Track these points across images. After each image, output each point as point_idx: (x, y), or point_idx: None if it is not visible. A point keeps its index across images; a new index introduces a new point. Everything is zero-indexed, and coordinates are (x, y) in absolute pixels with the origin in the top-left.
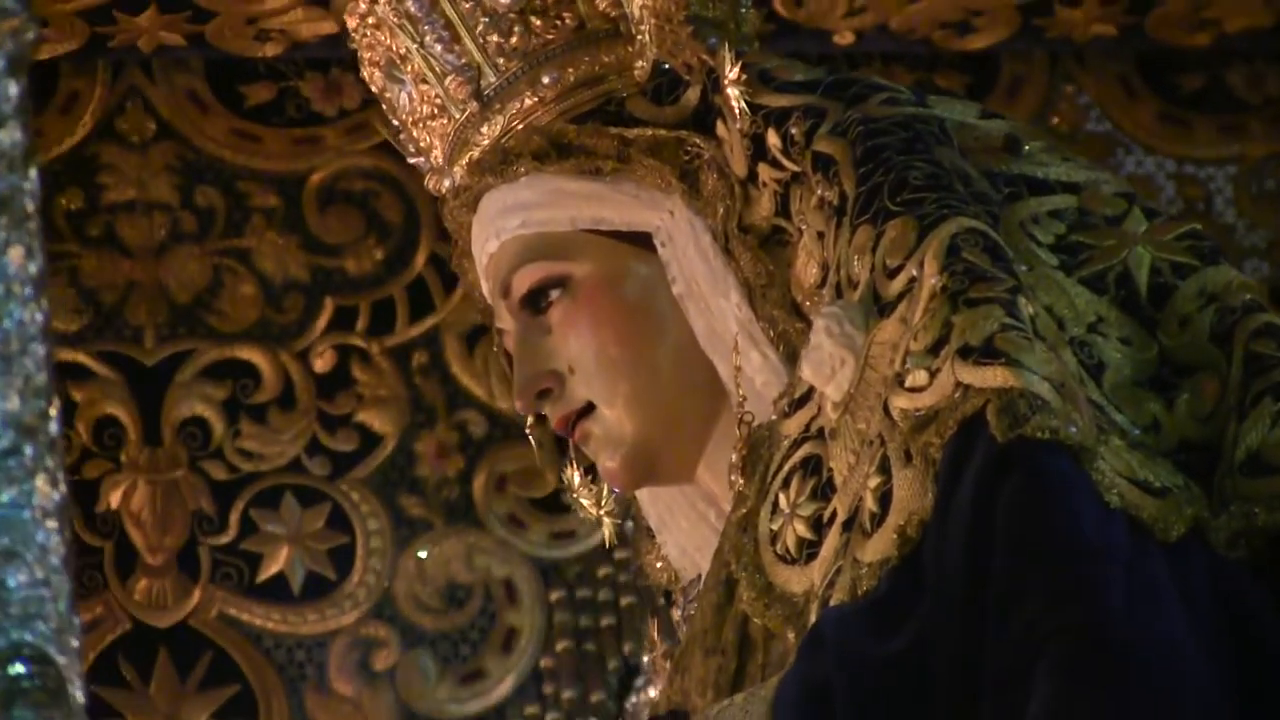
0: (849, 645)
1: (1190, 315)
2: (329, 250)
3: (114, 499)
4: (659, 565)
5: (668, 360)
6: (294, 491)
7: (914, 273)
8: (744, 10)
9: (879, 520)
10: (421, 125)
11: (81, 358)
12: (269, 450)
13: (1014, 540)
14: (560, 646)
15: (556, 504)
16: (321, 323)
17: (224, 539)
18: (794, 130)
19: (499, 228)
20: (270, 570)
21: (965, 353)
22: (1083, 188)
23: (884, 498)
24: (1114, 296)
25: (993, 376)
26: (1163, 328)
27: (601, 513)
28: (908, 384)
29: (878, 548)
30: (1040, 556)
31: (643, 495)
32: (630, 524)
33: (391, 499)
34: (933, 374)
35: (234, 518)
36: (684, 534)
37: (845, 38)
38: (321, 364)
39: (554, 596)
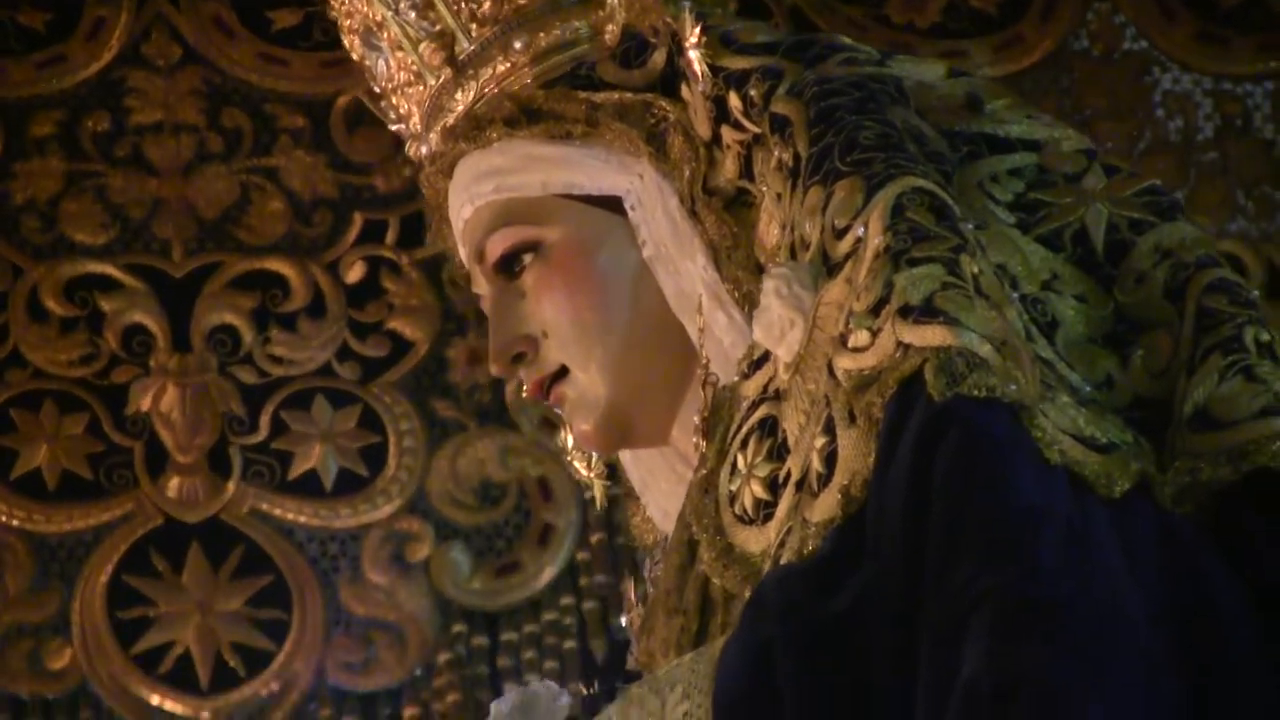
0: (791, 606)
1: (1146, 271)
2: (357, 169)
3: (144, 402)
4: (645, 527)
5: (640, 323)
6: (325, 394)
7: (860, 233)
8: None
9: (825, 481)
10: (399, 92)
11: (109, 269)
12: (299, 356)
13: (949, 499)
14: (595, 539)
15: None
16: (351, 235)
17: (255, 439)
18: (753, 92)
19: (473, 193)
20: (302, 467)
21: (905, 312)
22: (1043, 145)
23: (829, 458)
24: (1071, 254)
25: (931, 335)
26: (1119, 284)
27: (592, 475)
28: (850, 344)
29: (823, 508)
30: (975, 515)
31: (625, 458)
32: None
33: (423, 401)
34: (874, 334)
35: (264, 419)
36: (664, 495)
37: None
38: (352, 274)
39: (589, 493)
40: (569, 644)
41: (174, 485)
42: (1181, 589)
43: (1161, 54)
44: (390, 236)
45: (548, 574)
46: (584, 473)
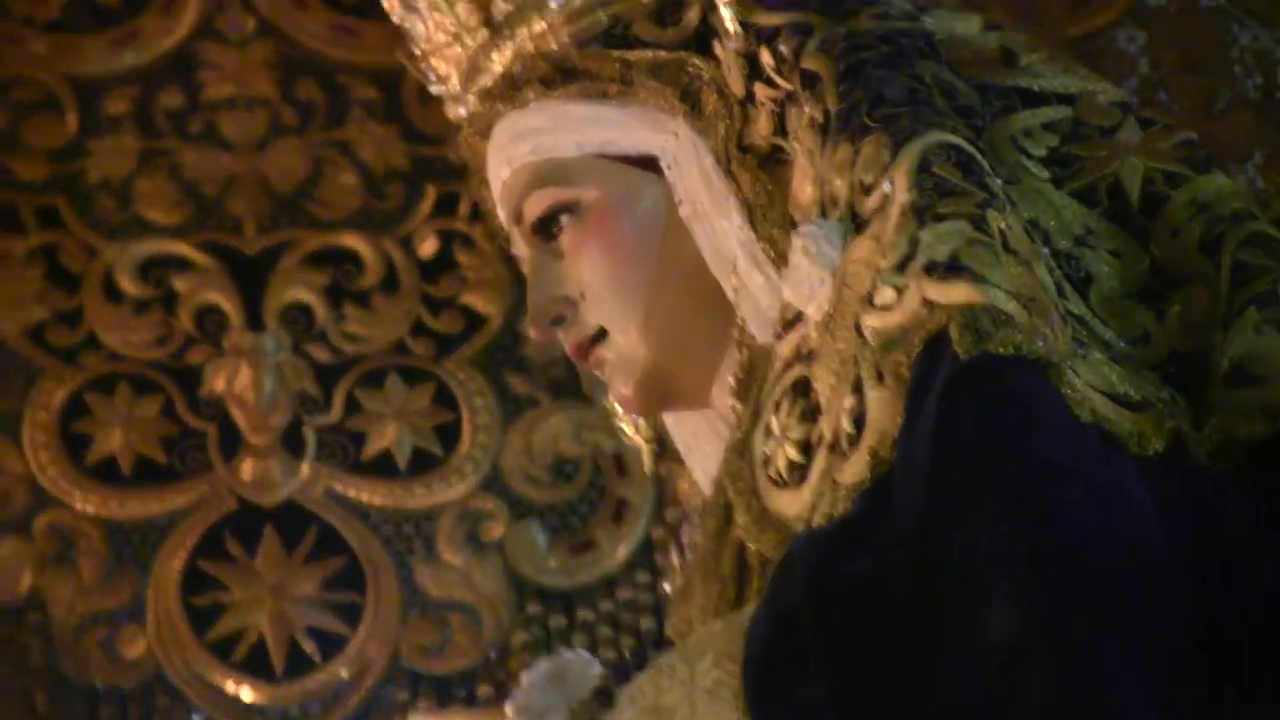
0: (816, 568)
1: (1181, 225)
2: (430, 140)
3: (217, 383)
4: (693, 491)
5: (678, 283)
6: (399, 371)
7: (886, 189)
8: None
9: (854, 442)
10: (438, 54)
11: (182, 249)
12: (373, 333)
13: (974, 457)
14: (670, 515)
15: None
16: (424, 209)
17: (328, 418)
18: (783, 48)
19: (510, 155)
20: (376, 447)
21: (930, 269)
22: (1078, 99)
23: (858, 419)
24: (1105, 208)
25: (957, 293)
26: (1154, 238)
27: (640, 439)
28: (877, 302)
29: (852, 470)
30: (999, 470)
31: (669, 421)
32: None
33: (497, 377)
34: (900, 291)
35: (338, 398)
36: (708, 458)
37: None
38: (425, 248)
39: (664, 469)
40: (646, 622)
41: (248, 468)
42: (1214, 545)
43: (1240, 10)
44: (463, 208)
45: (623, 551)
46: (633, 436)
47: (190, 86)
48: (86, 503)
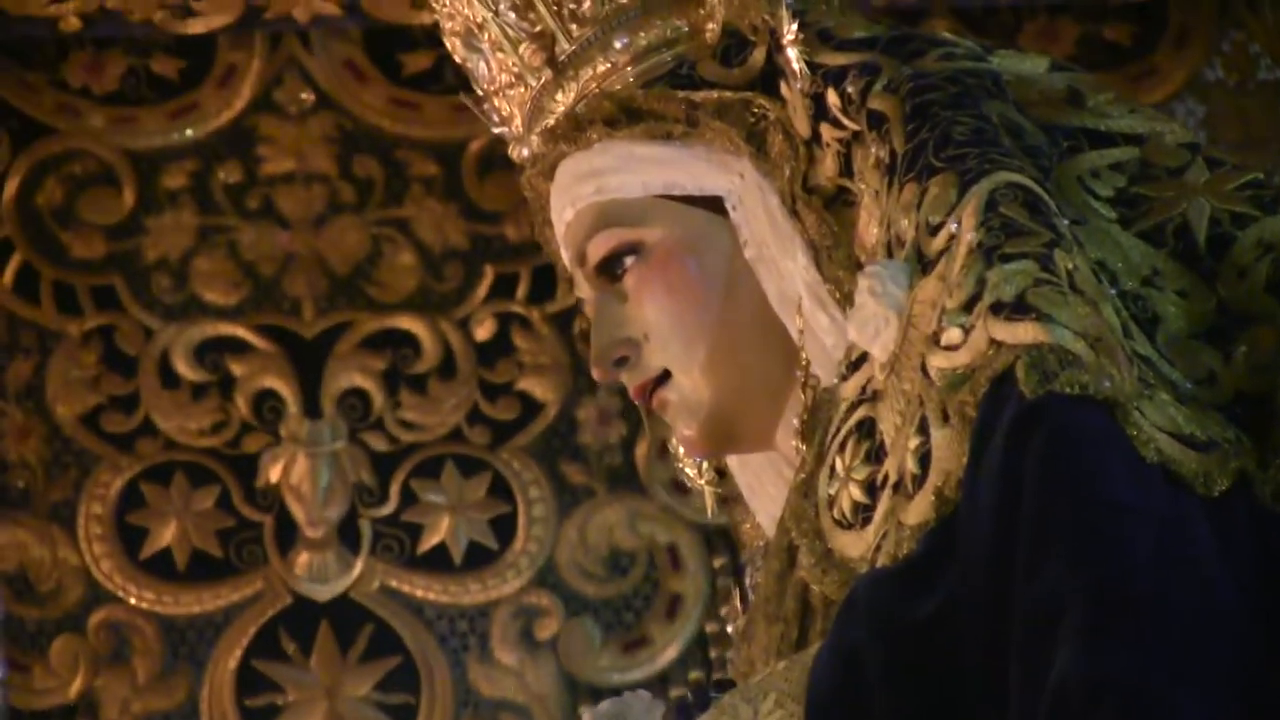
0: (880, 609)
1: (1248, 266)
2: (489, 217)
3: (274, 472)
4: (754, 534)
5: (742, 325)
6: (455, 461)
7: (953, 229)
8: None
9: (919, 482)
10: (501, 94)
11: (240, 331)
12: (429, 420)
13: (1040, 496)
14: (725, 610)
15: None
16: (482, 290)
17: (385, 510)
18: (850, 89)
19: (574, 195)
20: (432, 541)
21: (997, 309)
22: (1146, 139)
23: (923, 459)
24: (1172, 249)
25: (1024, 332)
26: (1221, 279)
27: (703, 482)
28: (943, 342)
29: (918, 510)
30: (1065, 512)
31: (733, 463)
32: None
33: (553, 466)
34: (967, 331)
35: (394, 489)
36: (771, 501)
37: None
38: (482, 332)
39: (718, 562)
40: None
41: (303, 561)
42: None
43: None
44: (521, 290)
45: (676, 648)
46: (695, 479)
47: (248, 161)
48: (141, 598)
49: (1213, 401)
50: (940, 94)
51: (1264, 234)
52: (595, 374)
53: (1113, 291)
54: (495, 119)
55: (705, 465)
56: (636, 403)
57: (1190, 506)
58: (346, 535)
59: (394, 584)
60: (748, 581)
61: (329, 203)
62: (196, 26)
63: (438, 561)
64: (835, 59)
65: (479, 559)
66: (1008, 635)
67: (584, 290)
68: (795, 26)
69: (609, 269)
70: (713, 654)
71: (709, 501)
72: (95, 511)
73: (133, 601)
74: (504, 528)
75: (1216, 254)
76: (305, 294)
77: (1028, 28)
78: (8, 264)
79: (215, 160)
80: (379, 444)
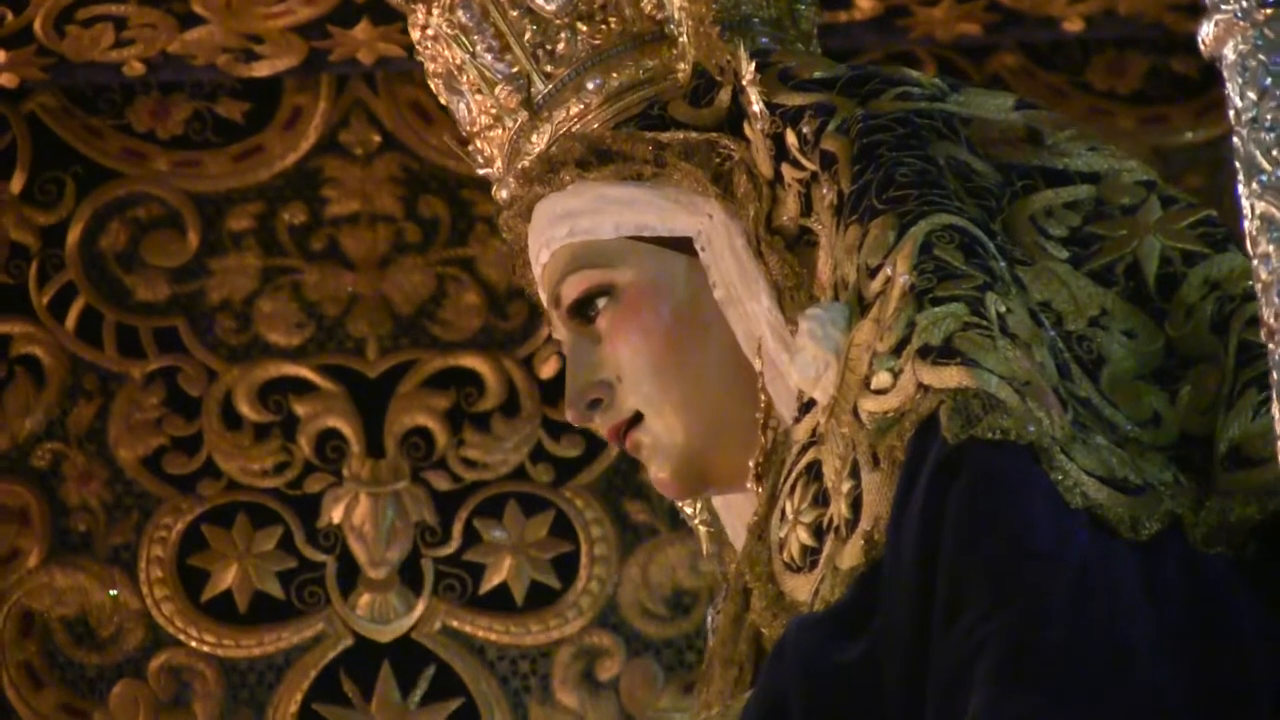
0: (806, 654)
1: (1195, 305)
2: None
3: (335, 513)
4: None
5: (712, 366)
6: (517, 499)
7: (889, 272)
8: (802, 7)
9: (851, 526)
10: (482, 136)
11: (304, 371)
12: (492, 459)
13: (959, 542)
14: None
15: None
16: (545, 329)
17: (447, 550)
18: (806, 129)
19: (549, 237)
20: (493, 581)
21: (925, 353)
22: (1102, 177)
23: (855, 503)
24: (1123, 288)
25: (949, 376)
26: (1170, 318)
27: (697, 522)
28: (873, 386)
29: (850, 555)
30: (982, 558)
31: (717, 503)
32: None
33: (616, 505)
34: (895, 375)
35: (457, 528)
36: None
37: (1075, 24)
38: (546, 370)
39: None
40: None
41: (364, 602)
42: (1209, 630)
43: None
44: None
45: None
46: (691, 518)
47: (313, 203)
48: (202, 642)
49: (1156, 443)
50: (888, 135)
51: (1211, 272)
52: (569, 416)
53: (1053, 334)
54: (480, 160)
55: (699, 505)
56: (611, 443)
57: (1114, 550)
58: (408, 575)
59: (455, 624)
60: (708, 624)
61: (394, 243)
62: (261, 70)
63: (500, 601)
64: (793, 99)
65: (541, 599)
66: (925, 680)
67: (560, 332)
68: (753, 67)
69: (582, 311)
70: None
71: (703, 543)
72: (156, 554)
73: (194, 645)
74: (566, 567)
75: (1165, 293)
76: (369, 334)
77: (1096, 61)
78: (71, 308)
79: (280, 202)
80: (441, 483)
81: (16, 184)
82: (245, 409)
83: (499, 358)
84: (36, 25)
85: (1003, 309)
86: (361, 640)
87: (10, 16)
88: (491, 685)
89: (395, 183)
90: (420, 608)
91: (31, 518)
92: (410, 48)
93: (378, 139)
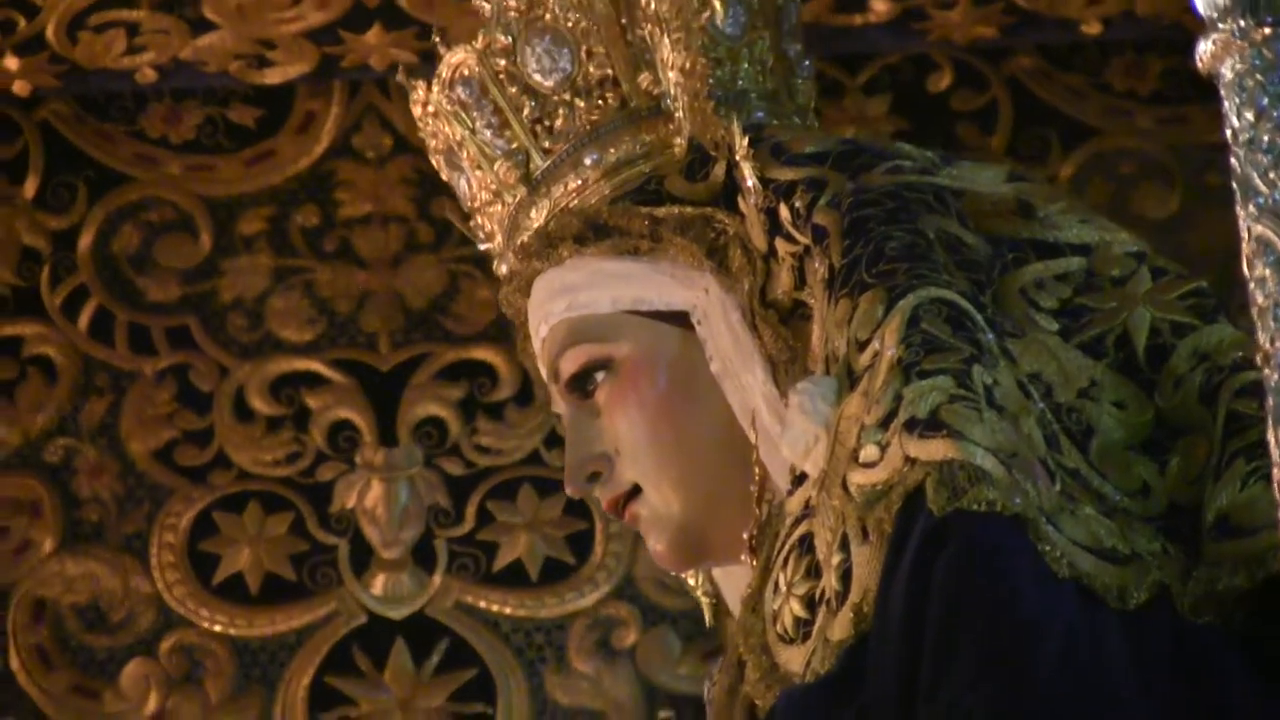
0: None
1: (1184, 376)
2: None
3: (348, 498)
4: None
5: (709, 439)
6: (531, 483)
7: (877, 346)
8: (799, 81)
9: (841, 599)
10: (482, 211)
11: (316, 366)
12: (506, 444)
13: (944, 613)
14: None
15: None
16: None
17: (460, 530)
18: (798, 203)
19: (547, 312)
20: (508, 558)
21: (911, 425)
22: (1093, 249)
23: (844, 575)
24: (1112, 359)
25: (935, 449)
26: (1159, 389)
27: (700, 593)
28: (862, 459)
29: (840, 627)
30: (969, 629)
31: (718, 574)
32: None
33: None
34: (883, 448)
35: (470, 510)
36: None
37: (1093, 27)
38: None
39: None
40: None
41: (378, 582)
42: (1197, 700)
43: None
44: None
45: None
46: (693, 589)
47: (326, 205)
48: (214, 622)
49: (1144, 513)
50: (878, 209)
51: (1199, 344)
52: (569, 489)
53: (1041, 405)
54: (480, 235)
55: (701, 577)
56: (610, 515)
57: (1102, 620)
58: (422, 555)
59: (470, 600)
60: (705, 695)
61: (406, 243)
62: (273, 76)
63: (514, 577)
64: (786, 174)
65: (556, 574)
66: None
67: (559, 406)
68: (746, 142)
69: (580, 385)
70: None
71: (706, 613)
72: (168, 540)
73: (205, 625)
74: (581, 543)
75: (1155, 364)
76: (381, 329)
77: (1115, 63)
78: (83, 309)
79: (292, 205)
80: (455, 468)
81: (29, 189)
82: (257, 403)
83: (512, 349)
84: (49, 32)
85: (989, 381)
86: (375, 618)
87: (23, 23)
88: (506, 656)
89: (408, 184)
90: (434, 585)
91: (43, 510)
92: (424, 54)
93: (390, 142)
